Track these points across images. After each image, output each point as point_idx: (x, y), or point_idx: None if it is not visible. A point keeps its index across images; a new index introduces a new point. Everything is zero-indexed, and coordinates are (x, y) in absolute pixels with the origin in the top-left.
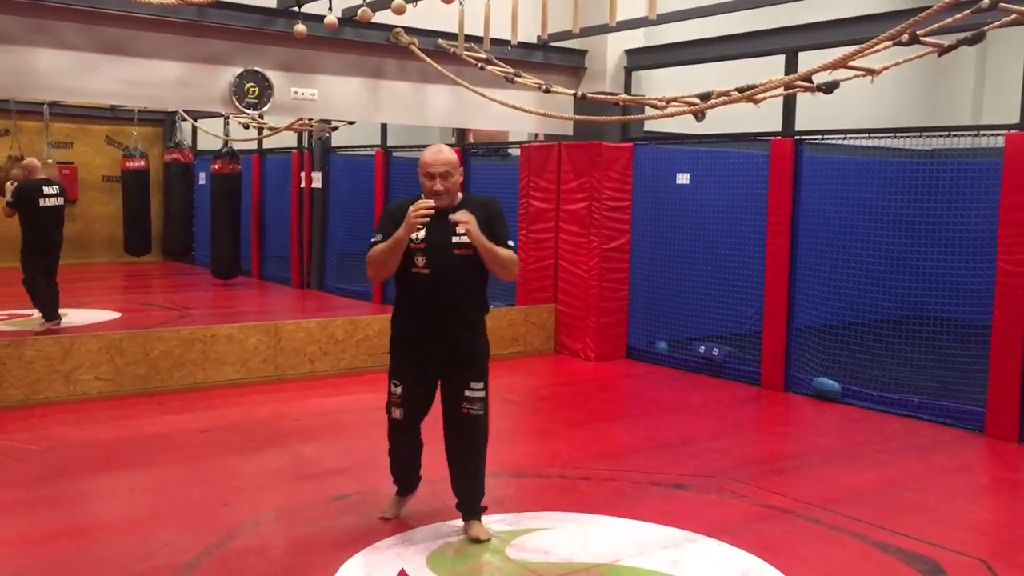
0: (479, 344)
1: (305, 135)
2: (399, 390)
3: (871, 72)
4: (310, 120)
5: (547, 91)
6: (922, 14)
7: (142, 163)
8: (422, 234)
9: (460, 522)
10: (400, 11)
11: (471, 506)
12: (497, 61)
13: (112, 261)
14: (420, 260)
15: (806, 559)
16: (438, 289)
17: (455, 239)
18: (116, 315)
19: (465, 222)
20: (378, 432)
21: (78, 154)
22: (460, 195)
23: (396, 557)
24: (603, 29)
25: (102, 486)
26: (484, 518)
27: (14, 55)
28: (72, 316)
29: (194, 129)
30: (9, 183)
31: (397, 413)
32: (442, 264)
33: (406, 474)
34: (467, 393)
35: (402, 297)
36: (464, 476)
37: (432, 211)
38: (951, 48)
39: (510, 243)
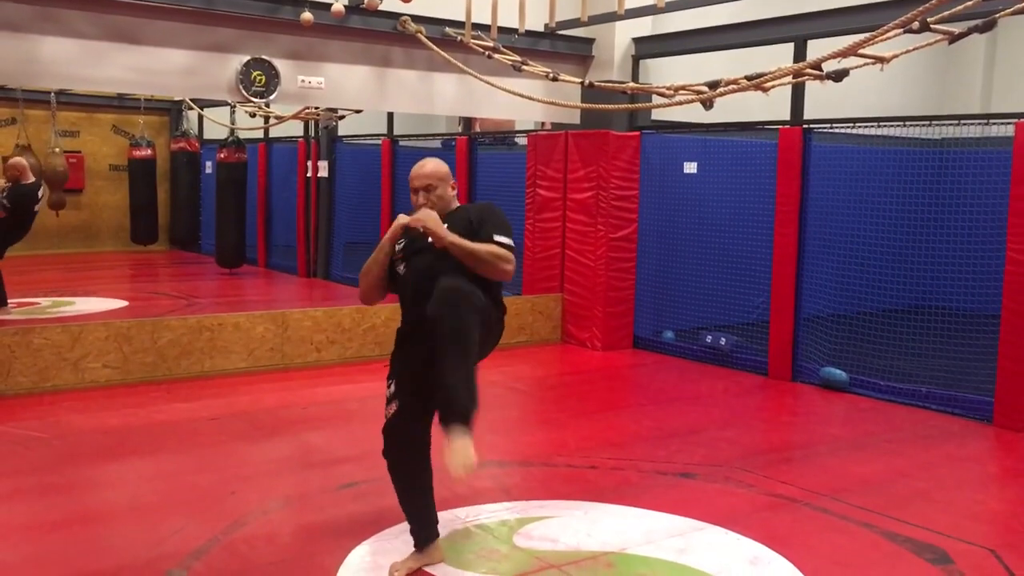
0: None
1: (312, 124)
2: (392, 387)
3: (881, 60)
4: (317, 109)
5: (554, 79)
6: (933, 1)
7: (149, 152)
8: (401, 244)
9: (467, 510)
10: None
11: (449, 410)
12: (504, 49)
13: (119, 250)
14: (401, 267)
15: (814, 548)
16: (419, 288)
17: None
18: (123, 303)
19: (420, 219)
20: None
21: (85, 143)
22: (456, 205)
23: (404, 545)
24: (611, 17)
25: (111, 473)
26: (491, 506)
27: (21, 43)
28: (79, 304)
29: (200, 118)
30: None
31: (392, 408)
32: (419, 262)
33: (413, 496)
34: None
35: (401, 310)
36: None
37: (402, 228)
38: (962, 35)
39: (499, 238)
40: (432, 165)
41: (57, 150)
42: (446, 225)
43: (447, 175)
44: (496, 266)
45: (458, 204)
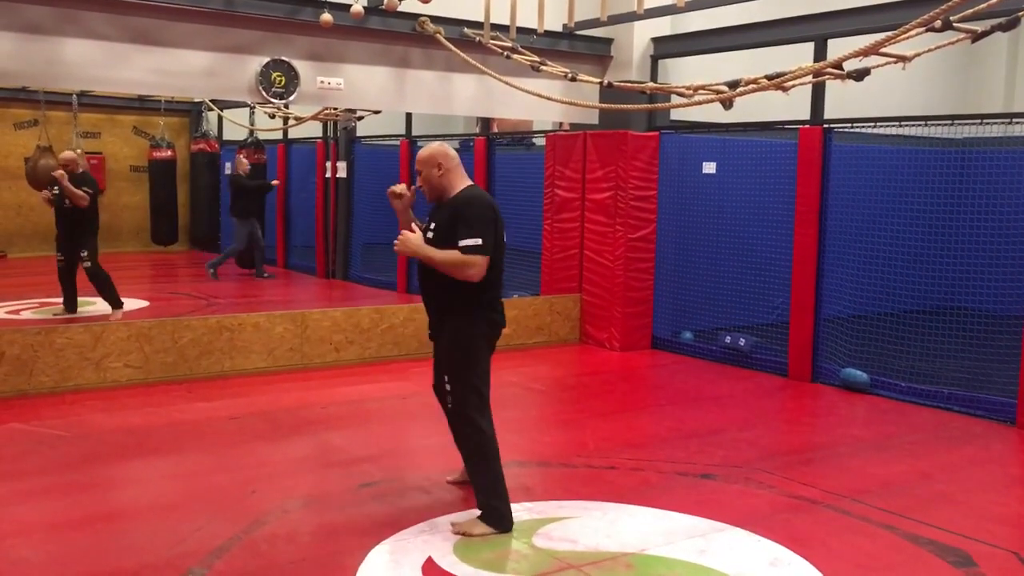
0: (447, 335)
1: (330, 125)
2: None
3: (903, 59)
4: (336, 110)
5: (573, 79)
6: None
7: (169, 153)
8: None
9: None
10: None
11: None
12: (523, 50)
13: (139, 250)
14: None
15: (835, 550)
16: (420, 274)
17: (427, 233)
18: (144, 304)
19: (397, 248)
20: (404, 420)
21: (106, 144)
22: (458, 187)
23: (423, 544)
24: (630, 17)
25: (133, 472)
26: (511, 506)
27: (43, 45)
28: (101, 304)
29: (220, 119)
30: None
31: None
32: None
33: None
34: (445, 386)
35: None
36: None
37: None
38: (985, 34)
39: (464, 242)
40: (420, 153)
41: (79, 151)
42: (435, 217)
43: (428, 159)
44: (457, 273)
45: (464, 186)
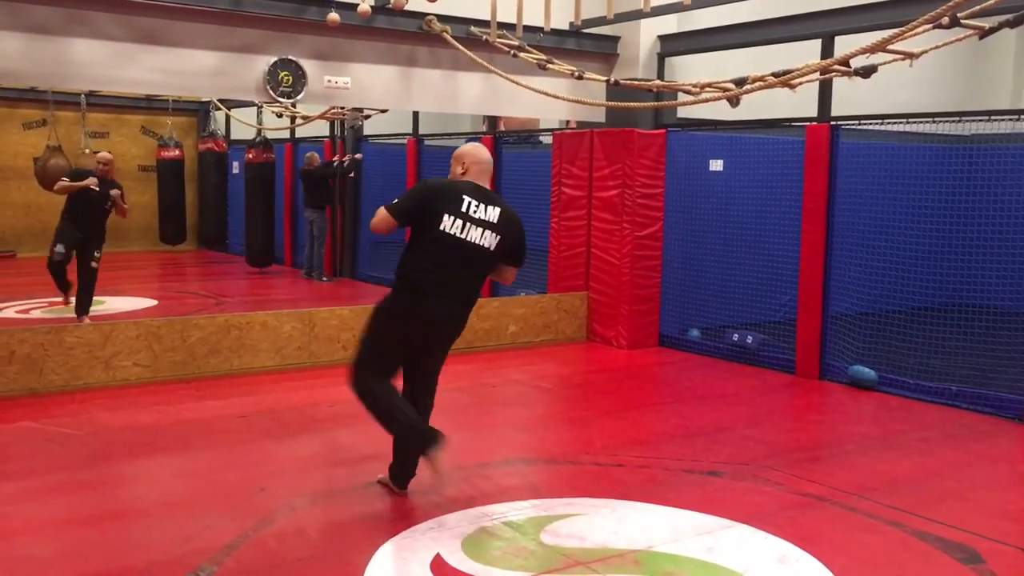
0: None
1: (338, 124)
2: None
3: (910, 56)
4: (343, 108)
5: (580, 78)
6: None
7: (177, 152)
8: None
9: (494, 507)
10: None
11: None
12: (529, 48)
13: (148, 250)
14: None
15: (842, 547)
16: None
17: None
18: (153, 303)
19: None
20: None
21: (114, 144)
22: None
23: (431, 541)
24: (637, 15)
25: (142, 470)
26: (519, 503)
27: (52, 45)
28: (110, 303)
29: (227, 118)
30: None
31: None
32: None
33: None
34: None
35: None
36: None
37: None
38: (992, 30)
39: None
40: (460, 147)
41: (87, 151)
42: None
43: (457, 156)
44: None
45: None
